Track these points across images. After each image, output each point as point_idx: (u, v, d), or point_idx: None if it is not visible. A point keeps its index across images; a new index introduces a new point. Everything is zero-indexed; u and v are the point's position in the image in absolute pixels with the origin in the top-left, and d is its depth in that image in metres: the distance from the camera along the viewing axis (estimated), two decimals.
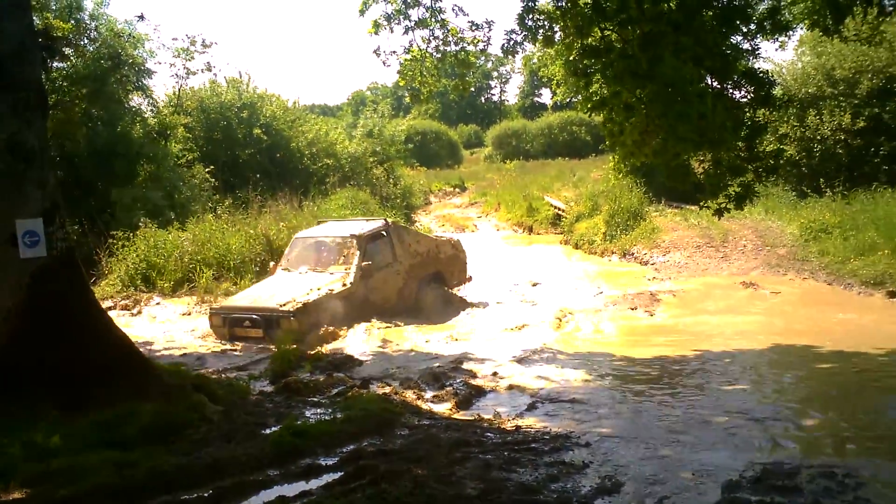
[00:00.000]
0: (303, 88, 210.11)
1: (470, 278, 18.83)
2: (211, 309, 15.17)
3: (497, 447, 7.84)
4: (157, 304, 17.35)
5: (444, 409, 9.72)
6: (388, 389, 10.37)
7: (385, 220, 17.71)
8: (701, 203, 13.22)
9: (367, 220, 18.12)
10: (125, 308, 17.10)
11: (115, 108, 23.99)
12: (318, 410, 9.28)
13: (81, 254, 14.91)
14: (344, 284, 15.04)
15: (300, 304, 14.11)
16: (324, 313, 14.39)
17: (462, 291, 18.46)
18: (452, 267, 18.22)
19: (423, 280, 16.95)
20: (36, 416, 7.46)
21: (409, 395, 10.12)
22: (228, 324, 14.43)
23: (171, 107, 29.97)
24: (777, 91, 16.91)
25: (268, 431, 8.14)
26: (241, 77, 34.62)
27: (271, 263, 17.08)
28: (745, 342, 13.10)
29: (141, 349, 10.34)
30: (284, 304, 14.10)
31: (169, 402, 8.23)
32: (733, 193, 12.55)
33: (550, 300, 17.21)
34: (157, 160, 24.40)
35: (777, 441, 8.29)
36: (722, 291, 17.62)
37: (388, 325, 14.84)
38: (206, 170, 27.31)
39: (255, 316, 14.22)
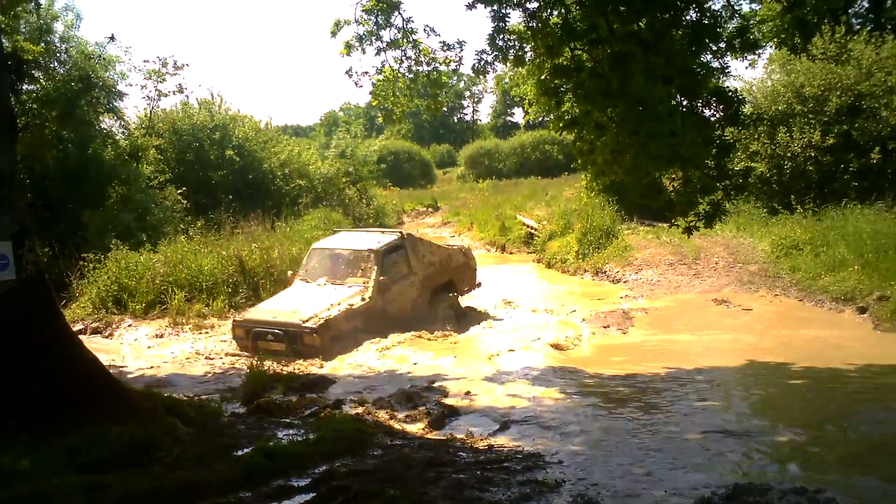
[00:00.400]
0: (275, 109, 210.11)
1: (479, 284, 19.33)
2: (234, 321, 15.52)
3: (470, 466, 7.83)
4: (129, 326, 17.22)
5: (416, 428, 9.73)
6: (360, 410, 10.37)
7: (401, 231, 18.19)
8: (671, 221, 13.28)
9: (383, 231, 18.55)
10: (96, 331, 17.00)
11: (85, 131, 23.75)
12: (291, 431, 9.24)
13: (52, 276, 14.81)
14: (363, 299, 15.44)
15: (322, 321, 14.50)
16: (344, 328, 14.84)
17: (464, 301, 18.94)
18: (463, 274, 18.74)
19: (436, 289, 17.42)
20: (4, 440, 7.40)
21: (382, 416, 10.12)
22: (252, 336, 14.83)
23: (142, 129, 29.79)
24: (746, 109, 17.03)
25: (240, 453, 8.10)
26: (212, 98, 34.59)
27: (289, 272, 17.60)
28: (718, 359, 13.16)
29: (112, 372, 10.28)
30: (307, 320, 14.47)
31: (141, 425, 8.16)
32: (703, 212, 12.63)
33: (528, 318, 17.46)
34: (128, 182, 24.24)
35: (749, 458, 8.35)
36: (694, 309, 17.71)
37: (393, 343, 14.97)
38: (179, 191, 27.13)
39: (277, 330, 14.62)
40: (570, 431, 9.46)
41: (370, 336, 14.92)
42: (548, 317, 17.56)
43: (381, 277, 15.82)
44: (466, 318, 17.64)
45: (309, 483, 7.24)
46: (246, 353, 14.76)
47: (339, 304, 15.09)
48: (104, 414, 8.09)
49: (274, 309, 15.36)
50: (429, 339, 15.15)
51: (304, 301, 15.35)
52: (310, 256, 17.25)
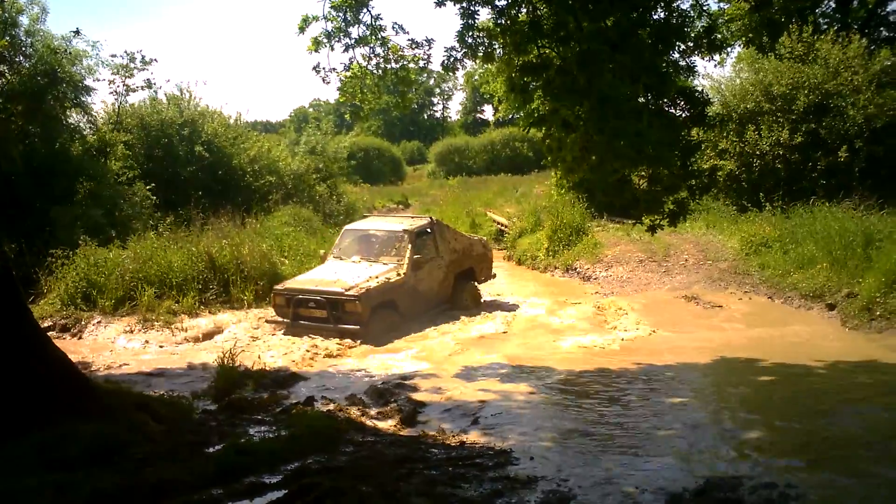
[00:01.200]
0: (245, 105, 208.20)
1: (495, 275, 20.45)
2: (275, 290, 16.50)
3: (442, 463, 7.84)
4: (99, 323, 17.06)
5: (388, 425, 9.72)
6: (332, 406, 10.34)
7: (430, 217, 19.05)
8: (637, 219, 13.35)
9: (413, 217, 20.04)
10: (65, 328, 16.83)
11: (52, 126, 23.55)
12: (262, 428, 9.22)
13: (19, 273, 14.65)
14: (398, 274, 16.49)
15: (363, 290, 15.43)
16: (383, 298, 15.84)
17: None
18: (482, 264, 19.83)
19: (458, 275, 18.56)
20: None
21: (354, 412, 10.11)
22: (293, 304, 15.76)
23: (110, 124, 29.47)
24: (714, 108, 17.09)
25: (212, 450, 8.07)
26: (181, 94, 34.22)
27: (321, 252, 18.98)
28: (688, 356, 13.23)
29: (82, 369, 10.22)
30: (350, 289, 15.39)
31: (111, 422, 8.11)
32: (667, 210, 12.69)
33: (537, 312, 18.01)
34: (96, 178, 23.96)
35: (720, 453, 8.40)
36: (665, 306, 17.77)
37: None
38: (148, 187, 26.79)
39: (320, 298, 15.54)
40: (542, 427, 9.50)
41: (403, 313, 16.21)
42: (555, 316, 17.61)
43: (415, 256, 16.91)
44: (479, 309, 18.26)
45: (281, 480, 7.22)
46: (285, 321, 15.85)
47: (376, 278, 16.02)
48: (73, 411, 8.03)
49: (315, 279, 16.38)
50: (481, 337, 15.59)
51: (343, 273, 16.30)
52: (343, 237, 18.46)
